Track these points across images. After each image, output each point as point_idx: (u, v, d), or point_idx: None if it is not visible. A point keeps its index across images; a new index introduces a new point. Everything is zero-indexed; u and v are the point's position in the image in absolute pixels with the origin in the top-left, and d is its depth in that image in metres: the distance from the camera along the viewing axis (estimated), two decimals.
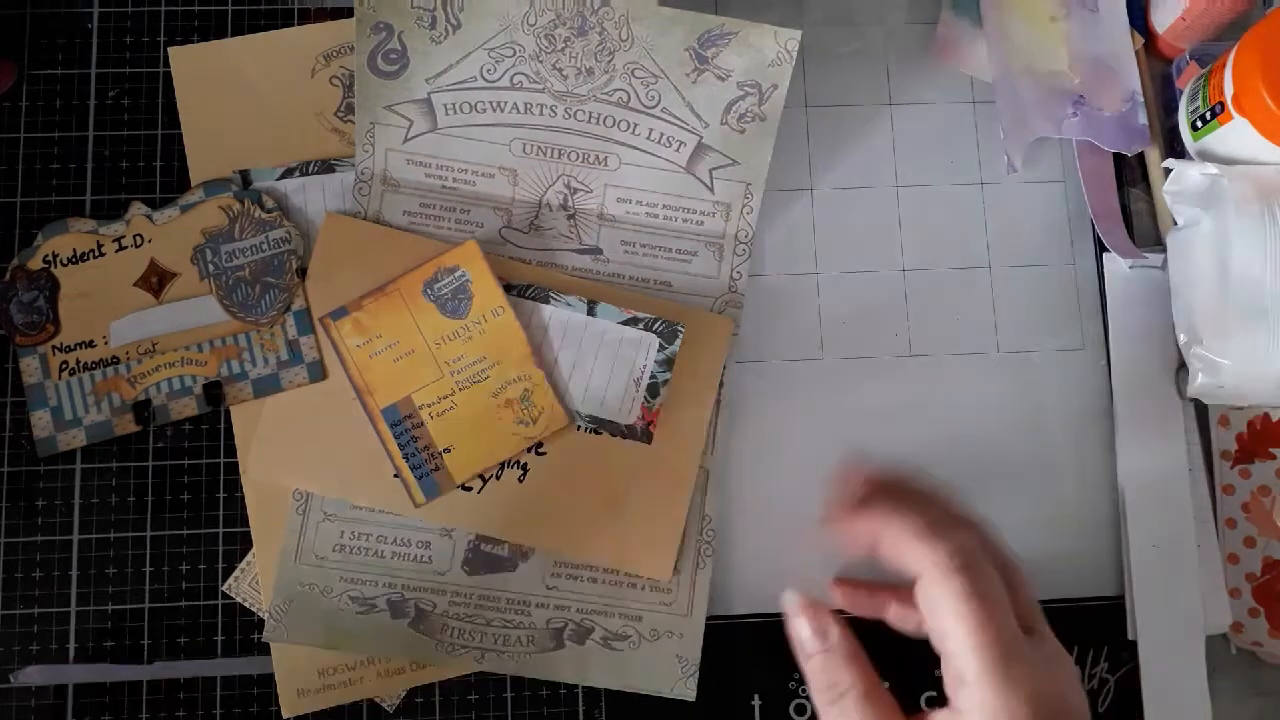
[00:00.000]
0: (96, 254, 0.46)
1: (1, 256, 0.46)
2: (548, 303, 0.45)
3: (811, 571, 0.45)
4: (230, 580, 0.45)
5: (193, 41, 0.48)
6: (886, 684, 0.34)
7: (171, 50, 0.48)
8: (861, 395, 0.47)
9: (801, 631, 0.35)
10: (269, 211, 0.46)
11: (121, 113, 0.48)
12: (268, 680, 0.44)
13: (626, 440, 0.45)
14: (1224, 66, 0.44)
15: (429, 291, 0.45)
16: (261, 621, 0.44)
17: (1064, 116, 0.49)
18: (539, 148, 0.47)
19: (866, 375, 0.48)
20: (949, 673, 0.32)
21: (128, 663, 0.44)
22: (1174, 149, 0.49)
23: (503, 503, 0.45)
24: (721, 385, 0.46)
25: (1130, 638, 0.45)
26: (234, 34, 0.48)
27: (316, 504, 0.45)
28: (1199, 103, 0.47)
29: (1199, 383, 0.45)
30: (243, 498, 0.45)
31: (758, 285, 0.48)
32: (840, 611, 0.36)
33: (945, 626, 0.32)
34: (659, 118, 0.47)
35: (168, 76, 0.48)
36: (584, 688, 0.45)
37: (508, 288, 0.45)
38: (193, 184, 0.47)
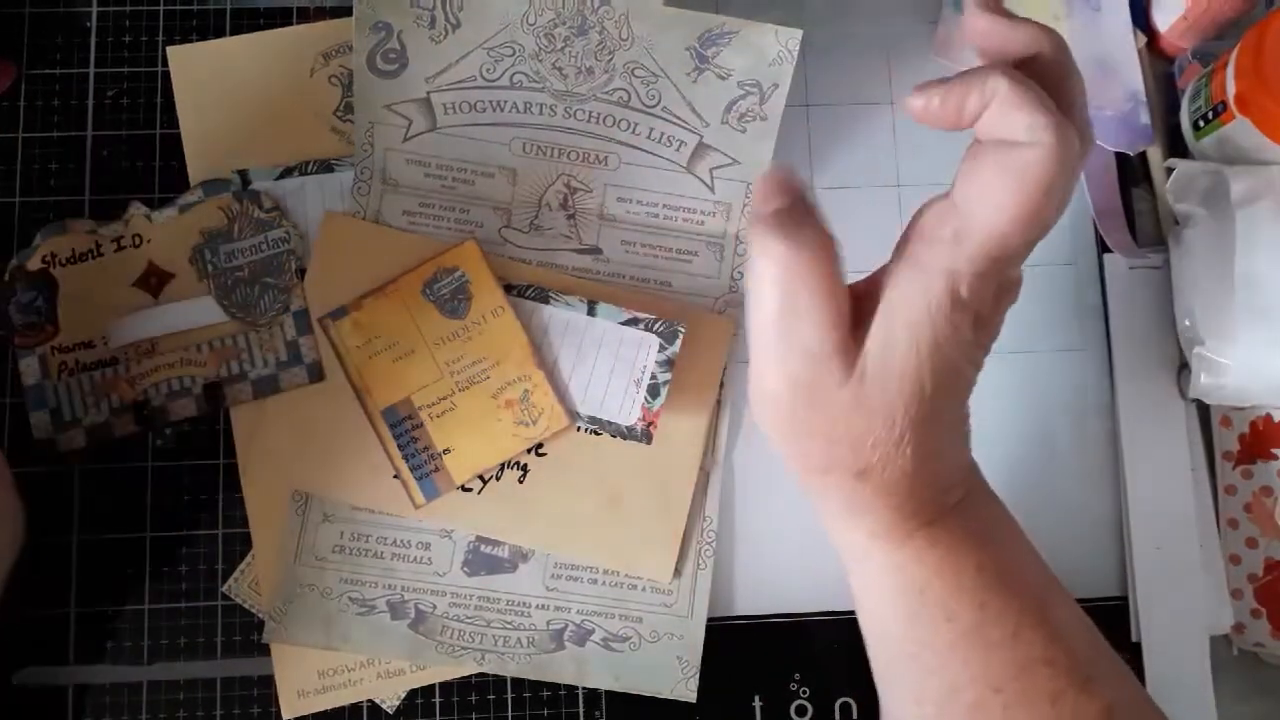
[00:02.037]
0: (95, 254, 0.45)
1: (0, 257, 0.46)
2: (548, 303, 0.45)
3: (813, 570, 0.45)
4: (230, 580, 0.45)
5: (191, 41, 0.48)
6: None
7: (170, 50, 0.48)
8: None
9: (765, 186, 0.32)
10: (268, 211, 0.46)
11: (120, 112, 0.48)
12: (268, 681, 0.44)
13: (626, 441, 0.45)
14: (1226, 65, 0.44)
15: (428, 291, 0.45)
16: (261, 622, 0.44)
17: None
18: (539, 147, 0.47)
19: None
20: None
21: (128, 663, 0.44)
22: (1176, 148, 0.49)
23: (503, 503, 0.45)
24: (722, 385, 0.46)
25: (1134, 639, 0.45)
26: (233, 33, 0.48)
27: (316, 505, 0.45)
28: (1201, 102, 0.47)
29: (1201, 383, 0.45)
30: (243, 498, 0.45)
31: None
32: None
33: (991, 195, 0.32)
34: (659, 117, 0.47)
35: (166, 76, 0.48)
36: (584, 689, 0.45)
37: (508, 288, 0.45)
38: (191, 184, 0.46)
